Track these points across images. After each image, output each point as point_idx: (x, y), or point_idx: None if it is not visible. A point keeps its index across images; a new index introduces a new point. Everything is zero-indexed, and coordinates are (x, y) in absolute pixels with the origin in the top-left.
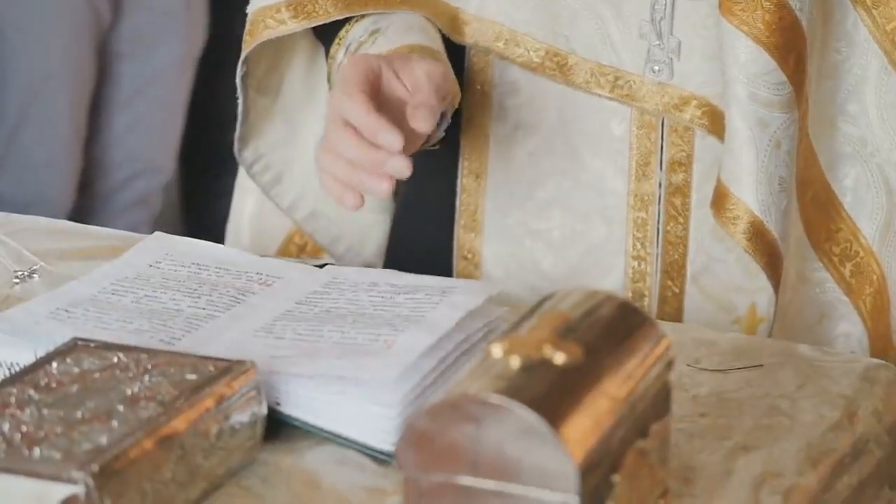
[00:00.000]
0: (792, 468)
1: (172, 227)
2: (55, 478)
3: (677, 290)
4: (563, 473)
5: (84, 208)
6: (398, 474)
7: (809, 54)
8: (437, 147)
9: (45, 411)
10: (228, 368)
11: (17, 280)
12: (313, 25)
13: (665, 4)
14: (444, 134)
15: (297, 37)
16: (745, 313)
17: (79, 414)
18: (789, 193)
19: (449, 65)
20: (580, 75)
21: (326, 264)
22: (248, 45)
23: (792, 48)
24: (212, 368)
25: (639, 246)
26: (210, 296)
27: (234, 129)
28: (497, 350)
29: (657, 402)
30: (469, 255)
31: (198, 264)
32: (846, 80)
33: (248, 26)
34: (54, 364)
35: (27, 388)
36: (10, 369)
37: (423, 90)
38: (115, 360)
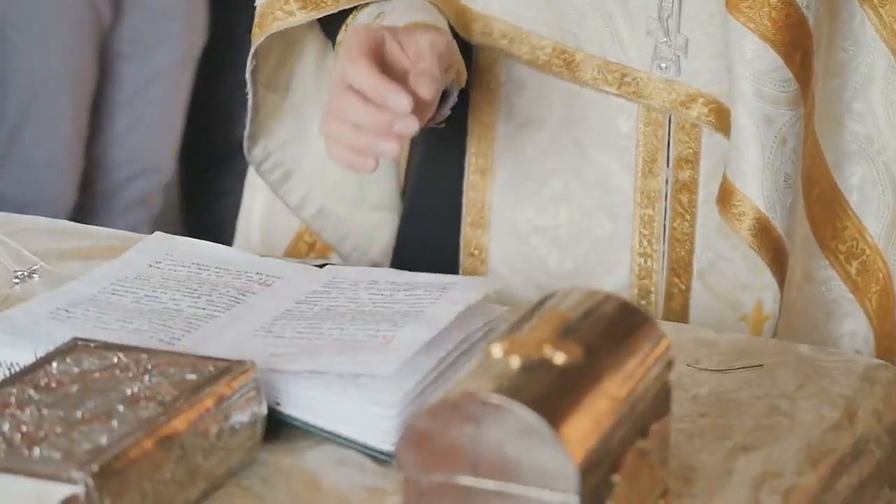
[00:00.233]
0: (792, 468)
1: (172, 227)
2: (55, 478)
3: (683, 288)
4: (563, 473)
5: (84, 208)
6: (398, 474)
7: (816, 52)
8: (442, 125)
9: (45, 411)
10: (228, 368)
11: (17, 280)
12: (322, 15)
13: (672, 2)
14: (449, 112)
15: (306, 33)
16: (751, 311)
17: (79, 414)
18: (795, 190)
19: (453, 39)
20: (587, 72)
21: (326, 264)
22: (257, 38)
23: (798, 45)
24: (211, 368)
25: (645, 243)
26: (210, 296)
27: (234, 129)
28: (497, 350)
29: (657, 402)
30: (475, 252)
31: (198, 264)
32: (853, 79)
33: (256, 19)
34: (54, 364)
35: (27, 388)
36: (10, 369)
37: (425, 58)
38: (115, 360)
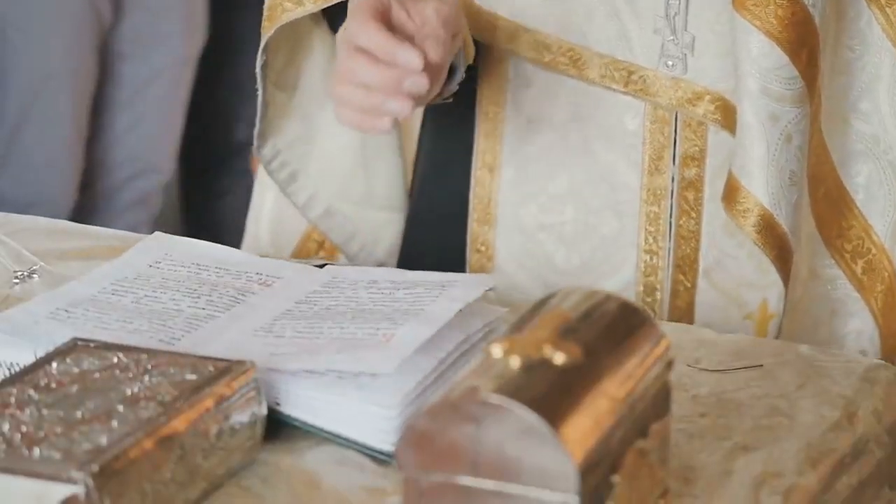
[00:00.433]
0: (792, 468)
1: (172, 227)
2: (55, 478)
3: (689, 285)
4: (563, 473)
5: (84, 208)
6: (398, 474)
7: (822, 50)
8: (450, 101)
9: (45, 411)
10: (228, 368)
11: (17, 280)
12: (331, 4)
13: (679, 0)
14: (457, 87)
15: (314, 30)
16: (756, 309)
17: (79, 414)
18: (800, 188)
19: (461, 10)
20: (594, 70)
21: (326, 264)
22: (266, 31)
23: (804, 43)
24: (211, 368)
25: (651, 240)
26: (210, 296)
27: (233, 129)
28: (497, 350)
29: (657, 402)
30: (482, 248)
31: (197, 264)
32: (859, 78)
33: (266, 12)
34: (54, 364)
35: (27, 388)
36: (10, 369)
37: (431, 23)
38: (115, 360)
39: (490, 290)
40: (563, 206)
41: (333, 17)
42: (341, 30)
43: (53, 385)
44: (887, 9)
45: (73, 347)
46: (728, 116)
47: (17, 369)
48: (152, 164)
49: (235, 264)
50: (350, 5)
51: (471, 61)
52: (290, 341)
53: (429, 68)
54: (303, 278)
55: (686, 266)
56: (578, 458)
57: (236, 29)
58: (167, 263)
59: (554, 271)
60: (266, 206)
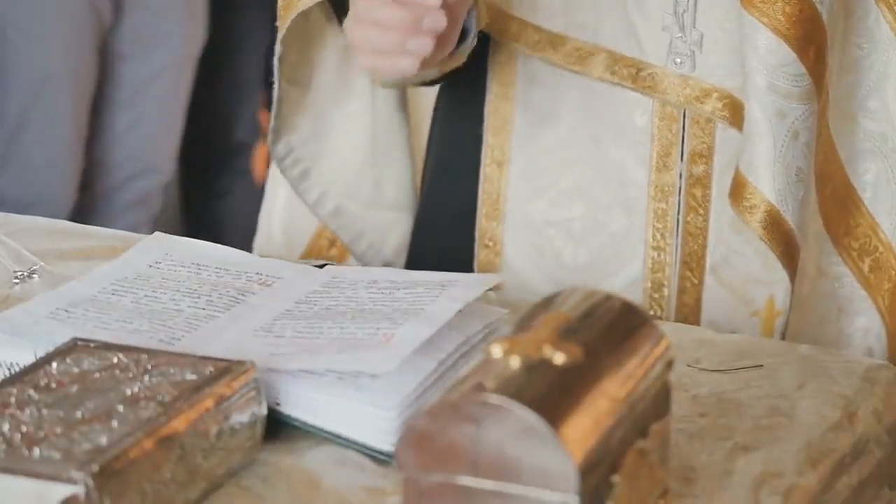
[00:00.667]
0: (792, 468)
1: (172, 227)
2: (55, 478)
3: (696, 281)
4: (563, 473)
5: (84, 208)
6: (398, 474)
7: (830, 47)
8: (461, 67)
9: (44, 411)
10: (228, 368)
11: (16, 280)
12: None
13: None
14: (472, 45)
15: (326, 27)
16: (763, 306)
17: (79, 414)
18: (807, 184)
19: None
20: (602, 67)
21: (326, 264)
22: (283, 21)
23: (812, 40)
24: (211, 368)
25: (658, 236)
26: (210, 296)
27: (233, 130)
28: (497, 350)
29: (657, 402)
30: (490, 244)
31: (197, 264)
32: (867, 76)
33: (280, 2)
34: (54, 364)
35: (27, 388)
36: (10, 369)
37: None
38: (115, 360)
39: (490, 290)
40: (572, 202)
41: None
42: None
43: (53, 385)
44: (895, 7)
45: (73, 347)
46: (736, 113)
47: (17, 369)
48: (152, 164)
49: (235, 264)
50: None
51: (482, 26)
52: (290, 341)
53: (446, 7)
54: (303, 278)
55: (693, 263)
56: (578, 458)
57: (236, 29)
58: (167, 263)
59: (562, 267)
60: (278, 204)
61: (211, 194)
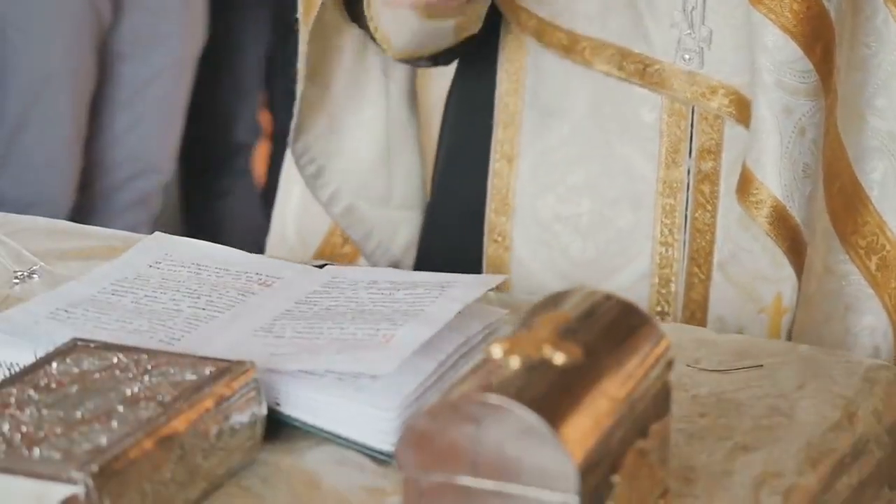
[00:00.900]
0: (792, 468)
1: (172, 227)
2: (55, 478)
3: (704, 278)
4: (563, 473)
5: (84, 208)
6: (398, 474)
7: (838, 45)
8: (474, 38)
9: (44, 411)
10: (228, 369)
11: (16, 280)
12: None
13: None
14: (484, 12)
15: (344, 28)
16: (770, 303)
17: (78, 414)
18: (814, 181)
19: None
20: (609, 62)
21: (326, 264)
22: (307, 17)
23: (819, 37)
24: (211, 369)
25: (666, 232)
26: (210, 296)
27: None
28: (497, 350)
29: (657, 402)
30: (499, 238)
31: (197, 265)
32: (875, 75)
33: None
34: (54, 364)
35: (27, 388)
36: (10, 369)
37: None
38: (115, 360)
39: (493, 289)
40: (581, 197)
41: (359, 16)
42: None
43: (53, 385)
44: None
45: (73, 347)
46: (742, 110)
47: (17, 369)
48: (152, 164)
49: (235, 264)
50: None
51: None
52: (290, 342)
53: None
54: (303, 278)
55: (701, 259)
56: (578, 458)
57: (236, 29)
58: (167, 264)
59: (570, 262)
60: (291, 204)
61: (211, 194)
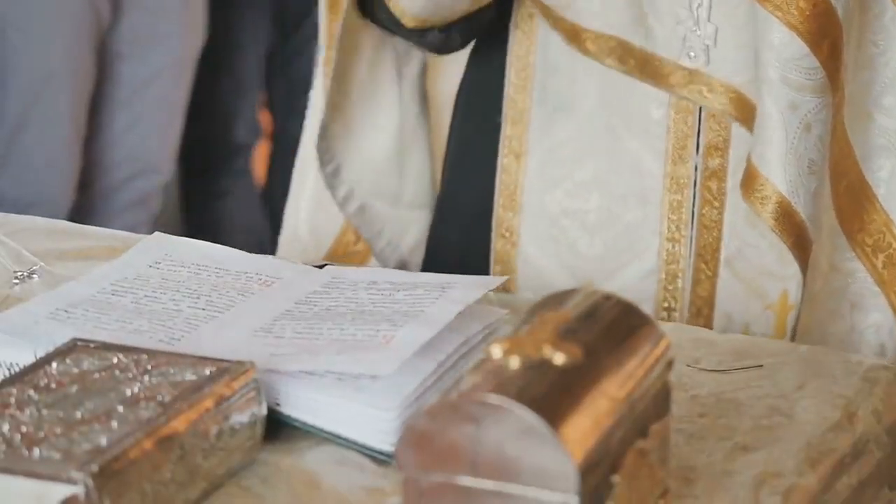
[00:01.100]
0: (792, 468)
1: (172, 227)
2: (55, 478)
3: (710, 274)
4: (563, 473)
5: (83, 208)
6: (398, 474)
7: (846, 43)
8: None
9: (44, 412)
10: (228, 369)
11: (16, 280)
12: None
13: None
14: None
15: (362, 27)
16: (776, 300)
17: (78, 414)
18: (820, 177)
19: None
20: (613, 55)
21: (326, 265)
22: (335, 16)
23: (826, 34)
24: (211, 369)
25: (673, 228)
26: (210, 296)
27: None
28: (497, 350)
29: (657, 402)
30: (507, 234)
31: (197, 265)
32: (883, 74)
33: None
34: (54, 364)
35: (27, 388)
36: (9, 369)
37: None
38: (115, 360)
39: (499, 289)
40: (589, 193)
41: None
42: None
43: (53, 385)
44: None
45: (72, 348)
46: (741, 109)
47: (17, 369)
48: (152, 164)
49: (235, 264)
50: None
51: None
52: (290, 342)
53: None
54: (303, 279)
55: (708, 255)
56: (578, 458)
57: (236, 29)
58: (167, 264)
59: (577, 257)
60: (304, 201)
61: (211, 194)
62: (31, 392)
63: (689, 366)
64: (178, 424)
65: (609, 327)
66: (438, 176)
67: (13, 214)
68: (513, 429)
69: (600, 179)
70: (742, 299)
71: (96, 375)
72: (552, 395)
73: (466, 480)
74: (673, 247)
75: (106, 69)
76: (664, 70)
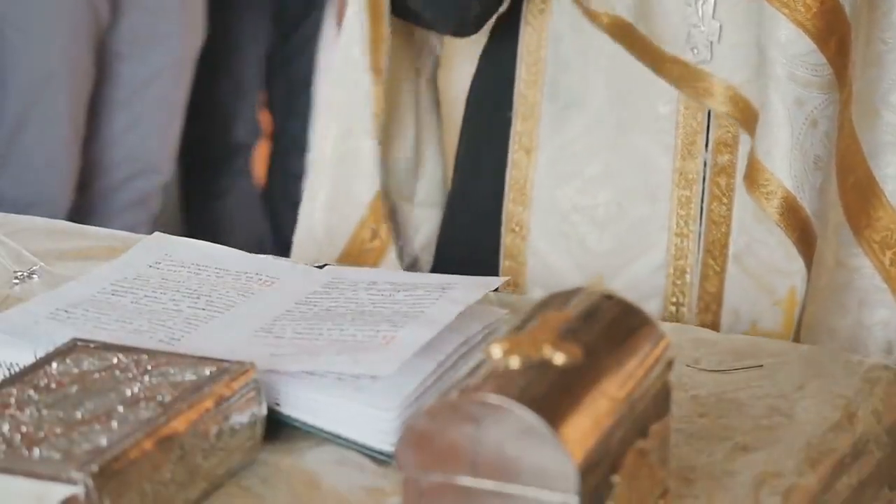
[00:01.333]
0: (792, 468)
1: (171, 227)
2: (55, 478)
3: (719, 269)
4: (563, 473)
5: (82, 208)
6: (398, 474)
7: (855, 39)
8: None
9: (44, 412)
10: (228, 369)
11: (16, 280)
12: None
13: None
14: None
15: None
16: (784, 296)
17: (78, 414)
18: (826, 173)
19: None
20: (622, 31)
21: (326, 265)
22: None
23: (833, 31)
24: (211, 369)
25: (682, 223)
26: (210, 296)
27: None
28: (497, 350)
29: (657, 402)
30: (517, 228)
31: (197, 265)
32: (891, 71)
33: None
34: (54, 364)
35: (27, 388)
36: (9, 369)
37: None
38: (115, 360)
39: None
40: (598, 188)
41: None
42: None
43: (53, 385)
44: None
45: (72, 348)
46: (741, 112)
47: (17, 369)
48: (151, 164)
49: (235, 265)
50: None
51: None
52: (290, 342)
53: None
54: (302, 279)
55: (716, 250)
56: (578, 458)
57: (235, 29)
58: (167, 264)
59: (587, 252)
60: (319, 200)
61: (210, 194)
62: (31, 392)
63: (689, 366)
64: (178, 424)
65: (609, 327)
66: (450, 173)
67: (13, 214)
68: (513, 429)
69: (610, 175)
70: (750, 295)
71: (96, 375)
72: (552, 395)
73: (466, 480)
74: (681, 242)
75: (105, 69)
76: (665, 63)
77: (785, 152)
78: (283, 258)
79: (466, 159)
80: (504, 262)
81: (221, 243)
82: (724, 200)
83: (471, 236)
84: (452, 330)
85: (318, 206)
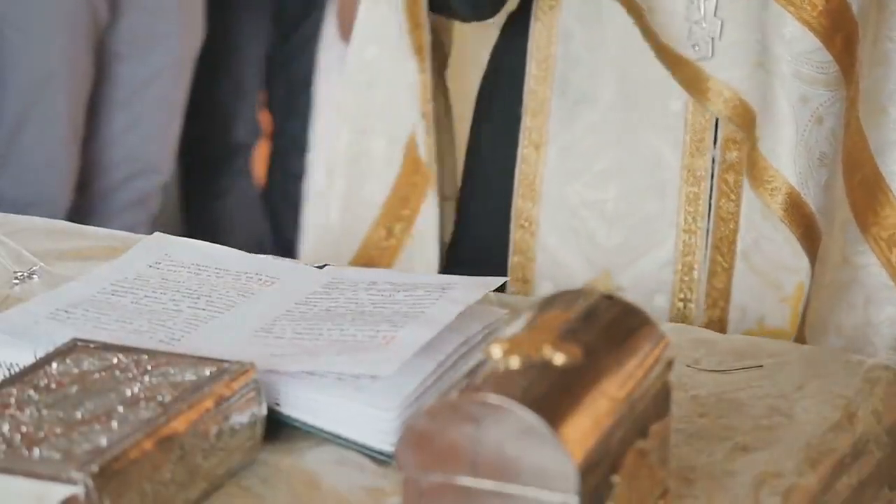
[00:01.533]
0: (792, 468)
1: (171, 227)
2: (55, 478)
3: (726, 266)
4: (563, 473)
5: (82, 208)
6: (398, 474)
7: (863, 37)
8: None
9: (44, 412)
10: (227, 369)
11: (16, 280)
12: None
13: None
14: None
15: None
16: (792, 293)
17: (78, 414)
18: (831, 170)
19: None
20: (635, 9)
21: (326, 265)
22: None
23: (839, 29)
24: (211, 369)
25: (690, 220)
26: (210, 296)
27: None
28: (497, 351)
29: (657, 403)
30: (526, 224)
31: (197, 265)
32: None
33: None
34: (54, 365)
35: (27, 388)
36: (9, 370)
37: None
38: (115, 360)
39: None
40: (607, 184)
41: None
42: None
43: (53, 385)
44: None
45: (72, 348)
46: (741, 115)
47: (17, 369)
48: (151, 164)
49: (235, 265)
50: None
51: None
52: (290, 342)
53: None
54: (303, 279)
55: (724, 247)
56: (578, 458)
57: (234, 29)
58: (167, 264)
59: (595, 248)
60: (335, 199)
61: (210, 194)
62: (31, 392)
63: (689, 366)
64: (178, 425)
65: (609, 327)
66: (461, 168)
67: (12, 214)
68: (513, 429)
69: (619, 171)
70: (757, 292)
71: (96, 376)
72: (552, 396)
73: (466, 480)
74: (689, 238)
75: (105, 69)
76: (667, 57)
77: (789, 149)
78: (284, 258)
79: (477, 154)
80: (513, 258)
81: (221, 243)
82: (733, 197)
83: (481, 232)
84: (452, 330)
85: (332, 206)
